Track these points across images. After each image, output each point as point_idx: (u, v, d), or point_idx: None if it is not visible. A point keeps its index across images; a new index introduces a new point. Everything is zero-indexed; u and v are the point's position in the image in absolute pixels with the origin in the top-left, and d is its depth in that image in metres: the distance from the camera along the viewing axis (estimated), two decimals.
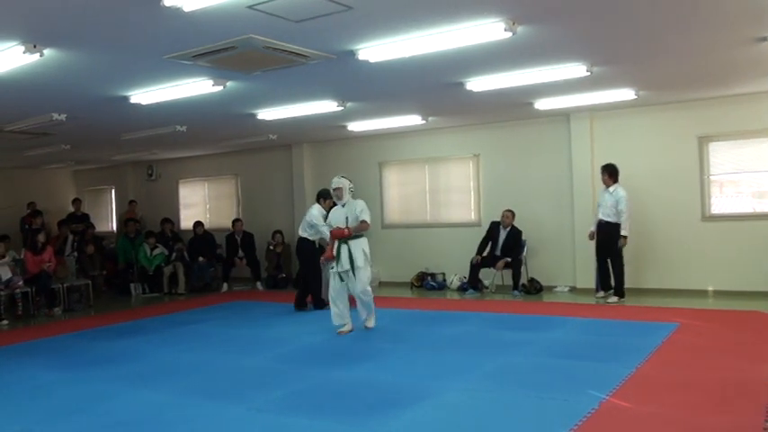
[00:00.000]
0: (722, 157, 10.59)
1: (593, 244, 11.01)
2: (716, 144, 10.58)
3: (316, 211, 10.10)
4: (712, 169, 10.63)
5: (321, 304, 10.21)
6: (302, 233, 10.33)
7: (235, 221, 14.63)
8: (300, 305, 10.60)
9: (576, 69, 7.94)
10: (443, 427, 4.94)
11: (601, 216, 10.41)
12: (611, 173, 10.43)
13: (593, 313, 9.40)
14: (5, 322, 10.78)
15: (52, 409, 5.88)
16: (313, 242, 10.25)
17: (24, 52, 6.01)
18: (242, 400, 5.73)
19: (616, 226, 10.24)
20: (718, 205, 10.67)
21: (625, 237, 10.21)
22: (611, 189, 10.38)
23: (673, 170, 10.75)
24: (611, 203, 10.30)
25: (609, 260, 10.43)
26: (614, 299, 10.31)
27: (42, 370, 7.34)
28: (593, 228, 10.69)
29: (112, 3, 5.14)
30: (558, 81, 8.50)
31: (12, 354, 8.42)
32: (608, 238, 10.31)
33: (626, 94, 9.67)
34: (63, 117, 9.42)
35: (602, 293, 10.68)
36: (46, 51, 6.19)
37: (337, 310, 8.52)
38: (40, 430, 5.29)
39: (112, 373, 7.02)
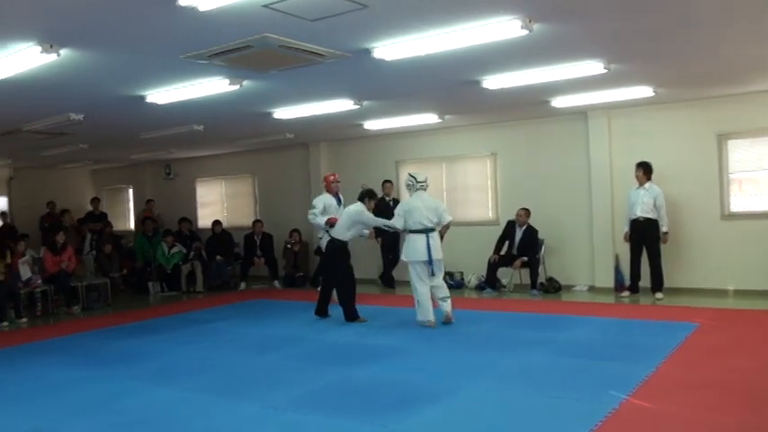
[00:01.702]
0: (741, 154, 10.47)
1: (610, 242, 11.03)
2: (735, 142, 10.47)
3: (361, 207, 9.41)
4: (731, 167, 10.52)
5: (354, 316, 9.29)
6: (338, 234, 9.45)
7: (255, 222, 14.67)
8: (323, 312, 9.73)
9: (594, 67, 7.88)
10: (461, 427, 4.93)
11: (639, 213, 10.27)
12: (646, 170, 10.34)
13: (612, 312, 9.37)
14: (24, 320, 10.85)
15: (69, 406, 5.92)
16: (346, 243, 9.50)
17: (41, 52, 6.04)
18: (259, 399, 5.75)
19: (655, 222, 10.19)
20: (738, 204, 10.55)
21: (666, 233, 10.18)
22: (645, 186, 10.30)
23: (691, 168, 10.65)
24: (648, 200, 10.22)
25: (649, 257, 10.33)
26: (660, 295, 10.20)
27: (60, 368, 7.39)
28: (626, 228, 10.57)
29: (128, 3, 5.15)
30: (575, 78, 8.43)
31: (30, 352, 8.48)
32: (648, 235, 10.24)
33: (644, 91, 9.58)
34: (80, 117, 9.46)
35: (627, 293, 10.63)
36: (62, 52, 6.21)
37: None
38: (58, 428, 5.32)
39: (130, 371, 7.06)
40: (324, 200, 10.46)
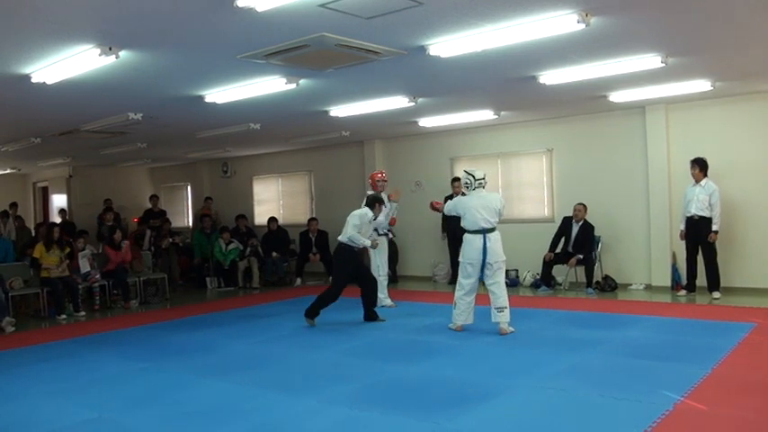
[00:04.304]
0: None
1: (668, 240, 10.91)
2: None
3: (368, 211, 9.34)
4: None
5: (309, 313, 9.13)
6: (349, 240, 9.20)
7: (310, 221, 14.75)
8: (371, 316, 9.36)
9: (651, 60, 7.78)
10: (514, 425, 4.91)
11: (694, 211, 10.10)
12: (701, 166, 10.15)
13: (668, 312, 9.22)
14: (82, 314, 11.10)
15: (128, 397, 6.04)
16: (349, 247, 9.23)
17: (100, 55, 6.19)
18: (313, 393, 5.80)
19: (710, 220, 10.01)
20: None
21: (716, 232, 9.98)
22: (702, 183, 10.12)
23: (753, 164, 10.40)
24: (703, 198, 10.04)
25: (704, 255, 10.16)
26: (717, 294, 10.03)
27: (119, 360, 7.55)
28: (682, 226, 10.41)
29: (186, 5, 5.25)
30: (632, 73, 8.35)
31: (89, 344, 8.67)
32: (703, 233, 10.06)
33: (701, 85, 9.41)
34: (139, 116, 9.65)
35: (684, 292, 10.47)
36: (121, 53, 6.36)
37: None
38: (117, 418, 5.43)
39: (186, 364, 7.19)
40: None
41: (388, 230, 10.67)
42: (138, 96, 8.67)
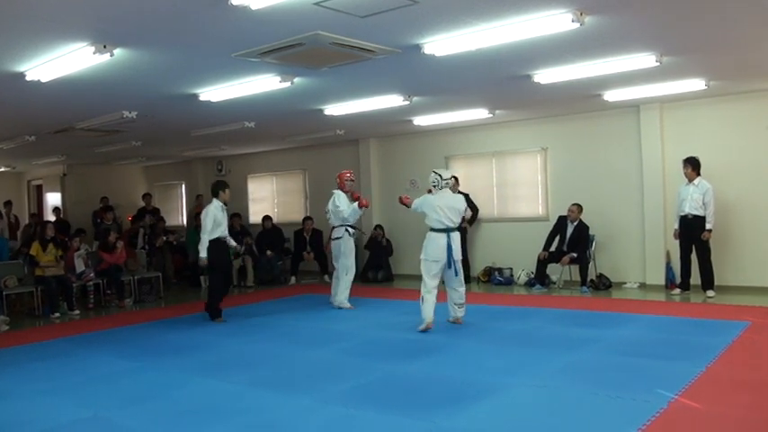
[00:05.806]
0: None
1: (662, 239, 10.94)
2: None
3: (215, 208, 9.55)
4: None
5: (212, 315, 9.68)
6: (220, 234, 9.58)
7: (305, 220, 14.75)
8: (215, 314, 9.75)
9: (646, 59, 7.79)
10: (510, 424, 4.91)
11: (688, 210, 10.11)
12: (694, 166, 10.15)
13: (662, 310, 9.24)
14: (77, 312, 11.07)
15: (123, 396, 6.03)
16: (219, 240, 9.57)
17: (95, 53, 6.18)
18: (309, 392, 5.79)
19: (704, 219, 10.03)
20: None
21: (710, 230, 9.98)
22: (695, 182, 10.12)
23: (747, 163, 10.42)
24: (697, 197, 10.05)
25: (698, 254, 10.17)
26: (711, 292, 10.05)
27: (113, 358, 7.54)
28: (676, 225, 10.41)
29: (181, 3, 5.25)
30: (627, 72, 8.35)
31: (84, 343, 8.64)
32: (697, 232, 10.06)
33: (696, 84, 9.42)
34: (133, 115, 9.63)
35: (678, 291, 10.47)
36: (116, 51, 6.34)
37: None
38: (112, 416, 5.42)
39: (181, 363, 7.18)
40: (343, 198, 10.41)
41: (356, 230, 10.85)
42: (133, 95, 8.65)
